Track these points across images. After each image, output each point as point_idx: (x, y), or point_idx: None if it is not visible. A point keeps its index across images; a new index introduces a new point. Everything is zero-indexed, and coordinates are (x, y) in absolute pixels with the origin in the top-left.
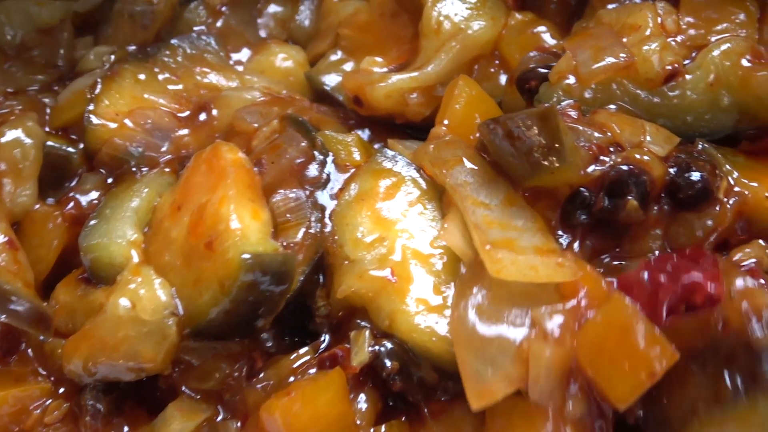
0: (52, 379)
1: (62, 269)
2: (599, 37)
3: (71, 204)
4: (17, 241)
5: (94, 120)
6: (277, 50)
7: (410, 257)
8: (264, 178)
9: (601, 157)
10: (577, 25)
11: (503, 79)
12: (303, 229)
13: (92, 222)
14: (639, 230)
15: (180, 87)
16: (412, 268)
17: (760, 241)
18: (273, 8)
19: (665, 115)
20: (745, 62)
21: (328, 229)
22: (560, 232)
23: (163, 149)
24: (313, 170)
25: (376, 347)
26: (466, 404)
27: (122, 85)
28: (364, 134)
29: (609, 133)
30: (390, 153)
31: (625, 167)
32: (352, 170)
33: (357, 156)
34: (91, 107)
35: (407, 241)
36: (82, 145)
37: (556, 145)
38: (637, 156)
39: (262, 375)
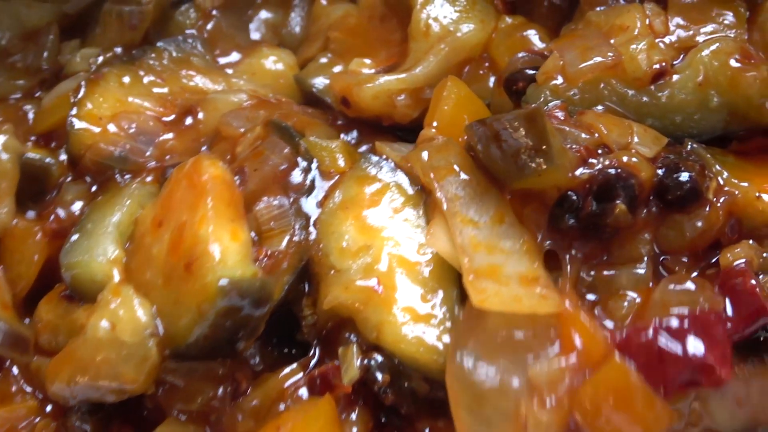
0: (40, 396)
1: (45, 282)
2: (587, 38)
3: (52, 217)
4: None
5: (77, 124)
6: (268, 53)
7: (396, 266)
8: (247, 186)
9: (590, 160)
10: (565, 27)
11: (493, 81)
12: (287, 238)
13: (73, 237)
14: (628, 234)
15: (165, 90)
16: (398, 277)
17: (750, 241)
18: (264, 14)
19: (654, 115)
20: (734, 62)
21: (312, 236)
22: (549, 242)
23: (148, 154)
24: (296, 176)
25: (366, 360)
26: None
27: (106, 88)
28: (352, 136)
29: (596, 134)
30: (374, 158)
31: (613, 171)
32: (337, 177)
33: (341, 162)
34: (74, 111)
35: (393, 249)
36: (62, 155)
37: (544, 147)
38: (625, 159)
39: (249, 394)
